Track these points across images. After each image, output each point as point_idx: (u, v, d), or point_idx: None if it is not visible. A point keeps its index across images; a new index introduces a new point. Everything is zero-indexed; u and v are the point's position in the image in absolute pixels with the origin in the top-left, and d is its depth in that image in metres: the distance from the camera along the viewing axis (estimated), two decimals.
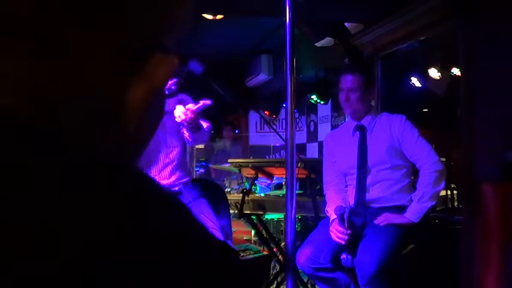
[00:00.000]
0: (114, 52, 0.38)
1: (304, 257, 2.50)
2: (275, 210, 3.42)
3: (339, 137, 2.80)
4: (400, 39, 3.84)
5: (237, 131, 8.35)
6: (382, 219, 2.50)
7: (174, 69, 0.41)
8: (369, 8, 3.74)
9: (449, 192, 3.66)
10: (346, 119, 6.27)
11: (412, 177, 2.75)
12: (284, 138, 1.91)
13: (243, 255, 3.97)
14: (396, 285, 2.42)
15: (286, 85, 1.80)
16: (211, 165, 6.58)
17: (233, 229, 3.09)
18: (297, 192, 2.35)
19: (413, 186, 2.66)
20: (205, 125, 2.48)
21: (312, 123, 7.16)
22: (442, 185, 2.57)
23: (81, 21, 0.37)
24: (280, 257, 3.36)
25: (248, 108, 7.56)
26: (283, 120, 6.81)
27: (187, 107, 2.30)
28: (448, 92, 4.89)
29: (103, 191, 0.33)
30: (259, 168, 3.41)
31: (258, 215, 3.38)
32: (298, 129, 7.18)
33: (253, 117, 8.03)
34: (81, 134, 0.38)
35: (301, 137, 7.11)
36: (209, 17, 3.91)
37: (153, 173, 2.50)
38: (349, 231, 2.45)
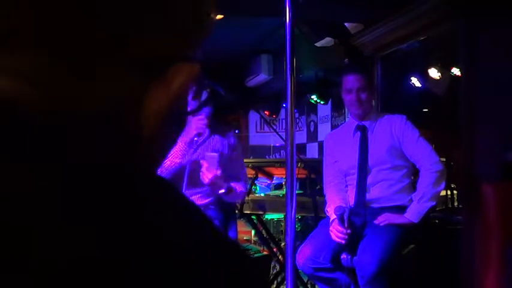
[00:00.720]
0: (133, 56, 0.38)
1: (304, 257, 2.50)
2: (275, 210, 3.42)
3: (339, 137, 2.81)
4: (400, 39, 3.84)
5: (237, 131, 8.36)
6: (382, 219, 2.50)
7: (194, 78, 0.41)
8: (369, 8, 3.74)
9: (449, 192, 3.65)
10: (347, 119, 6.27)
11: (412, 178, 2.75)
12: (284, 138, 1.91)
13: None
14: (396, 285, 2.42)
15: (286, 85, 1.80)
16: None
17: None
18: (297, 192, 2.35)
19: (413, 187, 2.66)
20: (238, 187, 2.50)
21: (312, 123, 7.16)
22: (443, 185, 2.58)
23: (103, 24, 0.36)
24: (280, 257, 3.36)
25: (248, 108, 7.56)
26: (283, 120, 6.81)
27: (202, 170, 2.36)
28: (448, 92, 4.88)
29: (120, 195, 0.33)
30: (259, 168, 3.41)
31: (258, 215, 3.38)
32: (298, 129, 7.18)
33: (253, 117, 8.03)
34: (96, 137, 0.37)
35: (301, 137, 7.11)
36: None
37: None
38: (349, 231, 2.45)
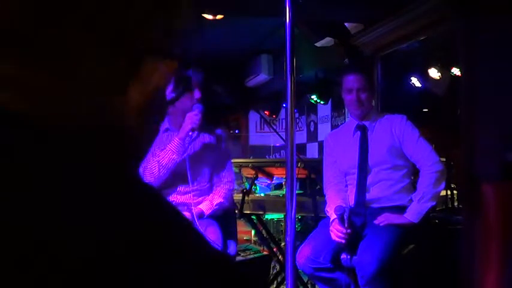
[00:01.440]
0: (112, 53, 0.38)
1: (304, 257, 2.50)
2: (275, 210, 3.42)
3: (339, 137, 2.81)
4: (400, 39, 3.84)
5: (237, 131, 8.35)
6: (382, 219, 2.50)
7: (172, 73, 0.42)
8: (369, 8, 3.74)
9: (449, 192, 3.66)
10: (347, 119, 6.25)
11: (412, 178, 2.75)
12: (284, 138, 1.91)
13: (243, 255, 3.97)
14: (396, 285, 2.42)
15: (286, 85, 1.80)
16: None
17: None
18: (297, 192, 2.35)
19: (413, 187, 2.66)
20: (214, 199, 2.58)
21: (312, 123, 7.16)
22: (443, 185, 2.58)
23: (81, 22, 0.37)
24: (280, 257, 3.36)
25: (248, 108, 7.56)
26: (283, 120, 6.81)
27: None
28: (448, 92, 4.89)
29: (101, 192, 0.33)
30: (259, 168, 3.41)
31: (258, 215, 3.38)
32: (298, 129, 7.18)
33: (253, 117, 8.03)
34: (79, 133, 0.38)
35: (301, 137, 7.11)
36: (209, 17, 3.91)
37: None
38: (349, 231, 2.45)
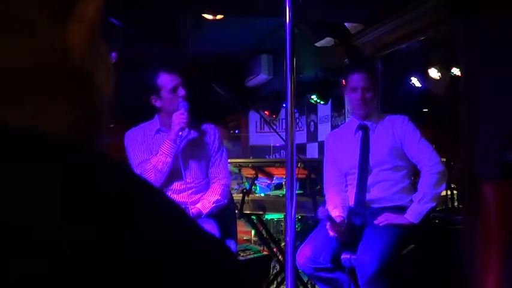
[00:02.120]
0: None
1: (304, 257, 2.50)
2: (275, 210, 3.42)
3: (340, 136, 2.80)
4: (400, 39, 3.84)
5: (237, 131, 8.35)
6: (382, 219, 2.50)
7: (102, 5, 0.42)
8: (369, 8, 3.74)
9: (449, 192, 3.65)
10: (347, 119, 6.25)
11: (412, 178, 2.75)
12: (284, 138, 1.91)
13: (243, 255, 3.97)
14: (396, 285, 2.42)
15: (286, 85, 1.80)
16: None
17: None
18: (297, 192, 2.35)
19: (413, 187, 2.66)
20: (210, 197, 2.57)
21: (312, 123, 7.16)
22: (443, 186, 2.58)
23: None
24: (280, 257, 3.36)
25: (248, 108, 7.56)
26: (283, 120, 6.81)
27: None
28: (448, 92, 4.88)
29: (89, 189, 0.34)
30: (259, 168, 3.41)
31: (258, 215, 3.38)
32: (298, 129, 7.18)
33: (253, 117, 8.03)
34: (33, 82, 0.38)
35: (301, 137, 7.11)
36: (209, 17, 3.91)
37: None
38: (337, 228, 2.45)
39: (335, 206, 2.60)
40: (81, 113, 0.41)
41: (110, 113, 0.44)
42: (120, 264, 0.31)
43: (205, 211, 2.51)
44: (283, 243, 3.46)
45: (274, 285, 3.40)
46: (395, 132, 2.62)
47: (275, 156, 7.31)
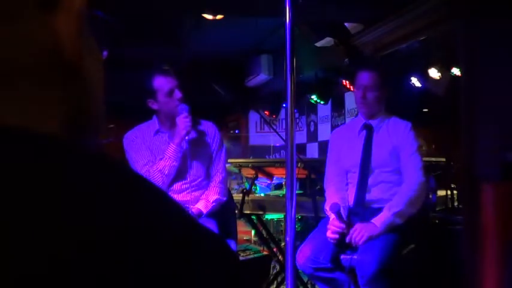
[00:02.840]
0: None
1: (304, 257, 2.50)
2: (275, 210, 3.42)
3: (345, 134, 2.78)
4: (400, 39, 3.84)
5: (237, 131, 8.36)
6: (358, 237, 2.43)
7: None
8: (369, 8, 3.74)
9: (449, 192, 3.66)
10: (346, 119, 6.24)
11: None
12: (284, 138, 1.91)
13: (243, 255, 3.97)
14: (396, 285, 2.42)
15: (286, 85, 1.80)
16: None
17: None
18: (297, 192, 2.35)
19: None
20: (209, 197, 2.58)
21: (312, 123, 7.16)
22: (415, 209, 2.50)
23: None
24: (280, 257, 3.36)
25: (248, 108, 7.56)
26: (283, 120, 6.81)
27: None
28: (448, 92, 4.88)
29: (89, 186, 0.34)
30: (259, 168, 3.41)
31: (258, 215, 3.38)
32: (298, 129, 7.18)
33: (253, 117, 8.03)
34: (21, 73, 0.38)
35: (301, 137, 7.11)
36: (209, 17, 3.91)
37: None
38: (343, 226, 2.43)
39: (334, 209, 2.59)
40: (72, 104, 0.40)
41: (103, 106, 0.44)
42: (120, 264, 0.31)
43: (205, 210, 2.51)
44: (283, 243, 3.46)
45: (274, 285, 3.40)
46: (397, 137, 2.61)
47: (275, 156, 7.31)
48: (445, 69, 4.87)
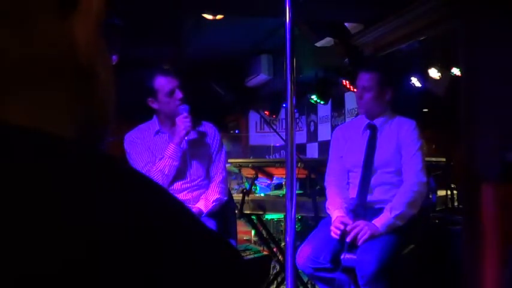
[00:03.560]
0: None
1: (304, 257, 2.49)
2: (275, 210, 3.42)
3: (348, 132, 2.77)
4: (400, 39, 3.84)
5: (237, 131, 8.36)
6: (362, 233, 2.43)
7: None
8: (369, 8, 3.74)
9: (449, 192, 3.66)
10: (346, 119, 6.24)
11: None
12: (284, 138, 1.91)
13: (243, 255, 3.97)
14: (396, 285, 2.42)
15: (286, 85, 1.80)
16: None
17: None
18: (297, 192, 2.35)
19: None
20: (210, 197, 2.58)
21: (312, 123, 7.17)
22: (416, 209, 2.50)
23: None
24: (280, 257, 3.36)
25: (248, 108, 7.56)
26: (283, 120, 6.81)
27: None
28: (448, 92, 4.89)
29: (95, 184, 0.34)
30: (259, 168, 3.41)
31: (258, 215, 3.38)
32: (298, 129, 7.18)
33: (253, 117, 8.04)
34: (45, 82, 0.38)
35: (301, 137, 7.11)
36: (209, 17, 3.91)
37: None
38: (350, 221, 2.43)
39: (337, 207, 2.58)
40: (86, 107, 0.41)
41: (114, 109, 0.44)
42: (121, 263, 0.31)
43: (205, 210, 2.51)
44: (283, 243, 3.46)
45: (274, 285, 3.40)
46: (400, 136, 2.60)
47: (275, 156, 7.32)
48: (445, 69, 4.87)
